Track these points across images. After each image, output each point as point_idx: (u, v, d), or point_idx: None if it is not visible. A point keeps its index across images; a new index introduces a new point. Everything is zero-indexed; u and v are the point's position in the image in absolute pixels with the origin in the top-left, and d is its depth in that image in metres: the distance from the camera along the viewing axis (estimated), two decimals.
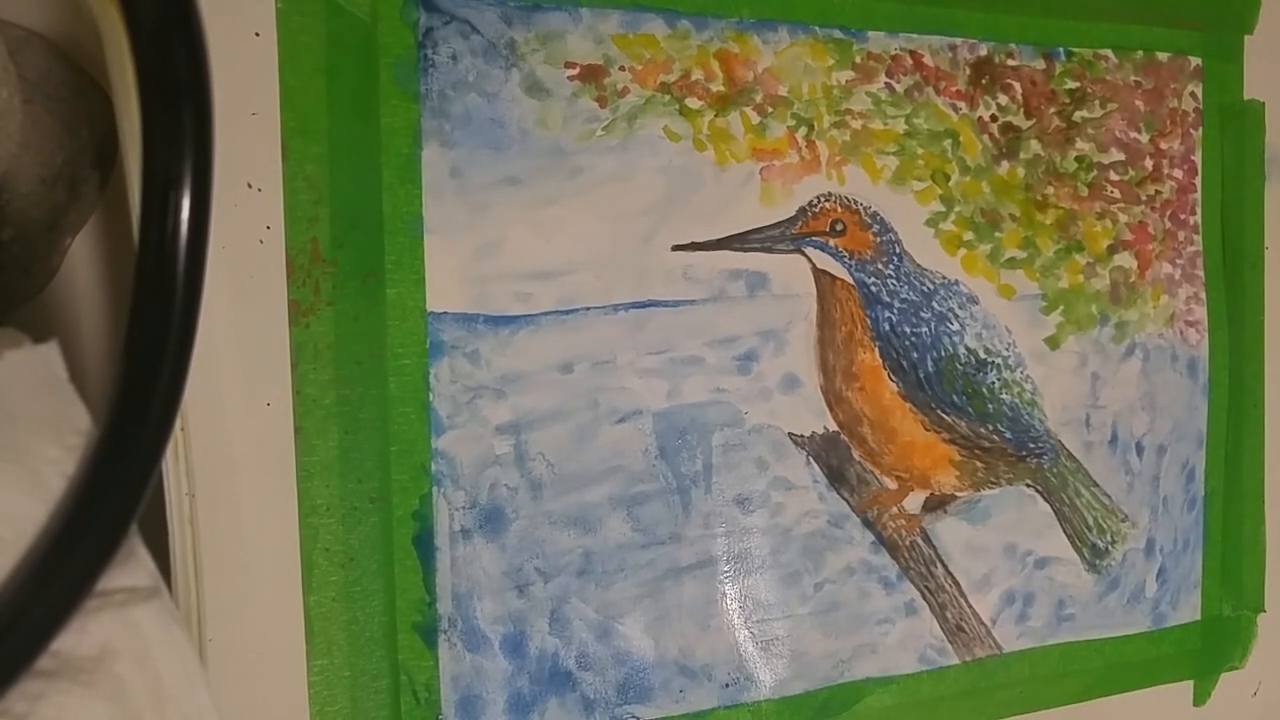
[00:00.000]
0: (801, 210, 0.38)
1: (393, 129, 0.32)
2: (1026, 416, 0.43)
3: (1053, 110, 0.43)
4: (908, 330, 0.40)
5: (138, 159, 0.21)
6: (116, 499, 0.22)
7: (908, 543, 0.40)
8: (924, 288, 0.40)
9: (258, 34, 0.31)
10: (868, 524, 0.40)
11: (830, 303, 0.39)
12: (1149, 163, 0.45)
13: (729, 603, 0.37)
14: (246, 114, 0.31)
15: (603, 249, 0.35)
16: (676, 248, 0.36)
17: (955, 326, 0.41)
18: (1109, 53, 0.44)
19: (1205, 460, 0.47)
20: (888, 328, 0.40)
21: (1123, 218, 0.44)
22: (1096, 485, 0.44)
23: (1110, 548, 0.44)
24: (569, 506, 0.35)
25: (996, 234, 0.42)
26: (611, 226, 0.35)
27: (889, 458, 0.40)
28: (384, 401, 0.32)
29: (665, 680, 0.36)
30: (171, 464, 0.29)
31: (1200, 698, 0.47)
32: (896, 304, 0.40)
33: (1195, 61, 0.46)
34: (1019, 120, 0.42)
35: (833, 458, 0.39)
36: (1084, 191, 0.44)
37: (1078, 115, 0.43)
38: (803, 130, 0.38)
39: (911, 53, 0.40)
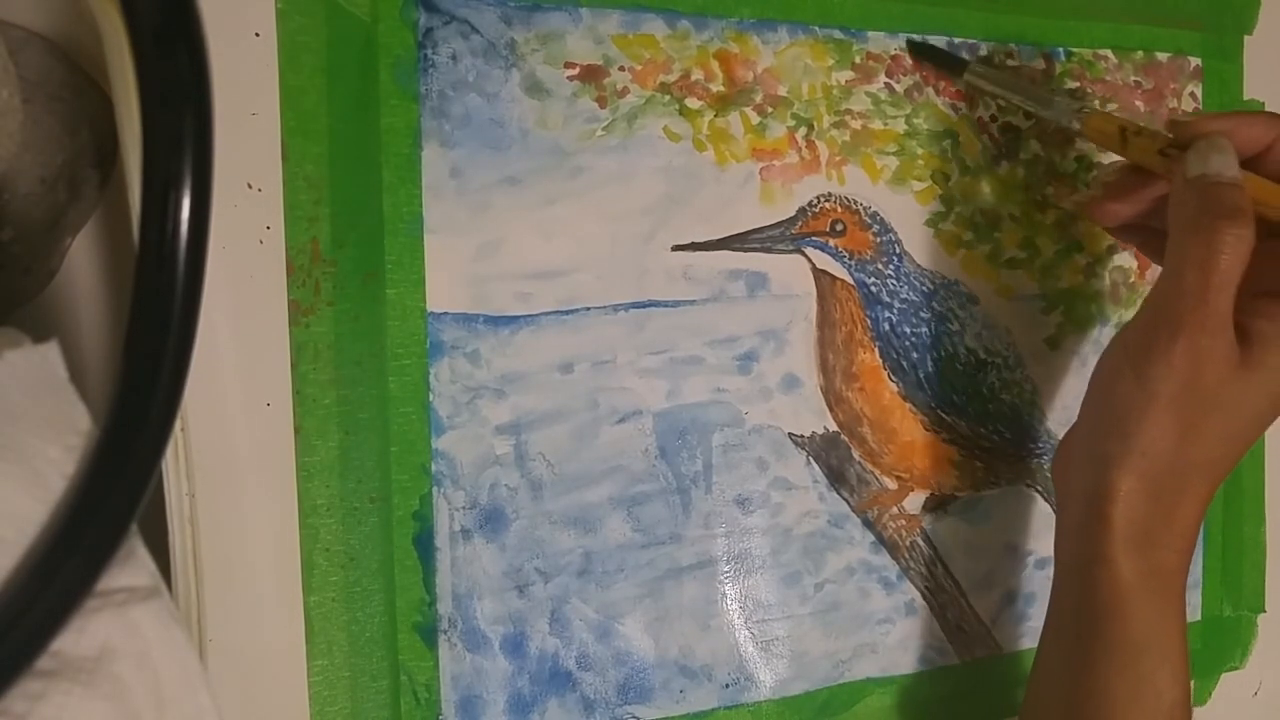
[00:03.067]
0: (801, 210, 0.38)
1: (393, 129, 0.32)
2: (1026, 416, 0.43)
3: None
4: (908, 330, 0.40)
5: (138, 159, 0.21)
6: (116, 499, 0.22)
7: (908, 543, 0.40)
8: (924, 288, 0.40)
9: (258, 34, 0.31)
10: (868, 524, 0.40)
11: (830, 303, 0.39)
12: None
13: (729, 603, 0.37)
14: (246, 114, 0.31)
15: (603, 249, 0.35)
16: (676, 248, 0.36)
17: (955, 326, 0.41)
18: (1109, 53, 0.44)
19: None
20: (888, 328, 0.40)
21: None
22: None
23: None
24: (569, 506, 0.35)
25: (996, 234, 0.42)
26: (611, 226, 0.35)
27: (889, 458, 0.40)
28: (384, 401, 0.32)
29: (665, 680, 0.36)
30: (171, 464, 0.29)
31: (1200, 698, 0.47)
32: (896, 304, 0.40)
33: (1195, 62, 0.46)
34: (1018, 120, 0.42)
35: (833, 458, 0.39)
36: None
37: None
38: (803, 130, 0.38)
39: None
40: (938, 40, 0.40)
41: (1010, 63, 0.42)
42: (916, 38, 0.40)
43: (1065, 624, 0.36)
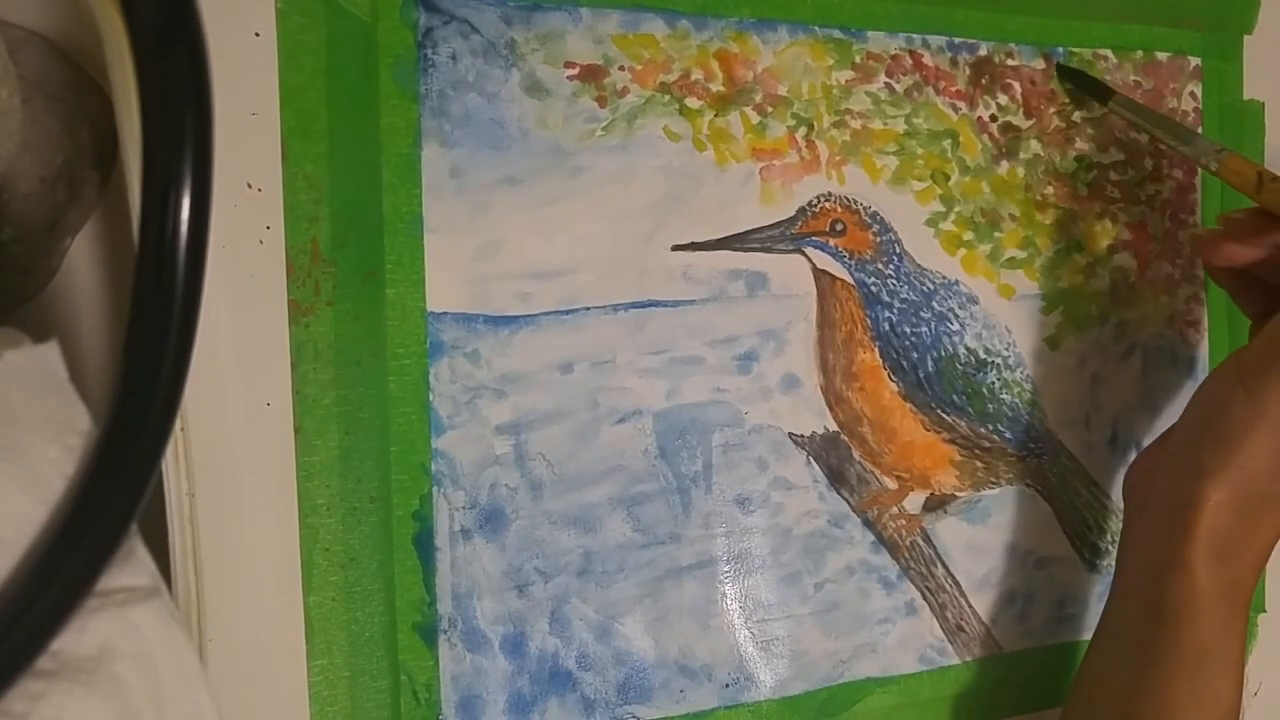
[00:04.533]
0: (801, 210, 0.38)
1: (393, 129, 0.32)
2: (1026, 416, 0.43)
3: (1052, 110, 0.43)
4: (908, 330, 0.40)
5: (138, 159, 0.21)
6: (116, 499, 0.22)
7: (908, 543, 0.40)
8: (924, 288, 0.40)
9: (258, 34, 0.31)
10: (868, 524, 0.40)
11: (830, 303, 0.39)
12: (1149, 162, 0.45)
13: (729, 603, 0.37)
14: (246, 114, 0.31)
15: (603, 249, 0.35)
16: (676, 248, 0.36)
17: (955, 326, 0.41)
18: (1109, 53, 0.44)
19: None
20: (888, 328, 0.40)
21: (1122, 217, 0.44)
22: (1096, 485, 0.44)
23: (1110, 547, 0.44)
24: (569, 506, 0.35)
25: (996, 234, 0.42)
26: (611, 226, 0.35)
27: (889, 458, 0.40)
28: (384, 401, 0.32)
29: (665, 680, 0.36)
30: (171, 464, 0.29)
31: None
32: (896, 304, 0.40)
33: (1195, 61, 0.46)
34: (1018, 120, 0.42)
35: (833, 458, 0.39)
36: (1083, 191, 0.44)
37: (1077, 115, 0.43)
38: (802, 130, 0.38)
39: (911, 53, 0.40)
40: (937, 40, 0.40)
41: (1010, 63, 0.42)
42: (1066, 63, 0.43)
43: (1128, 625, 0.37)
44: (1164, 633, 0.35)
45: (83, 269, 0.31)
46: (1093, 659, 0.38)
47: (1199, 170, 0.46)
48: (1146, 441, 0.45)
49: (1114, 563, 0.41)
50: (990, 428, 0.42)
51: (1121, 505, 0.44)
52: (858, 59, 0.39)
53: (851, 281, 0.39)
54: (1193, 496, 0.35)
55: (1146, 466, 0.39)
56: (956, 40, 0.41)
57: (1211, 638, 0.34)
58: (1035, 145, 0.42)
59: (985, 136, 0.41)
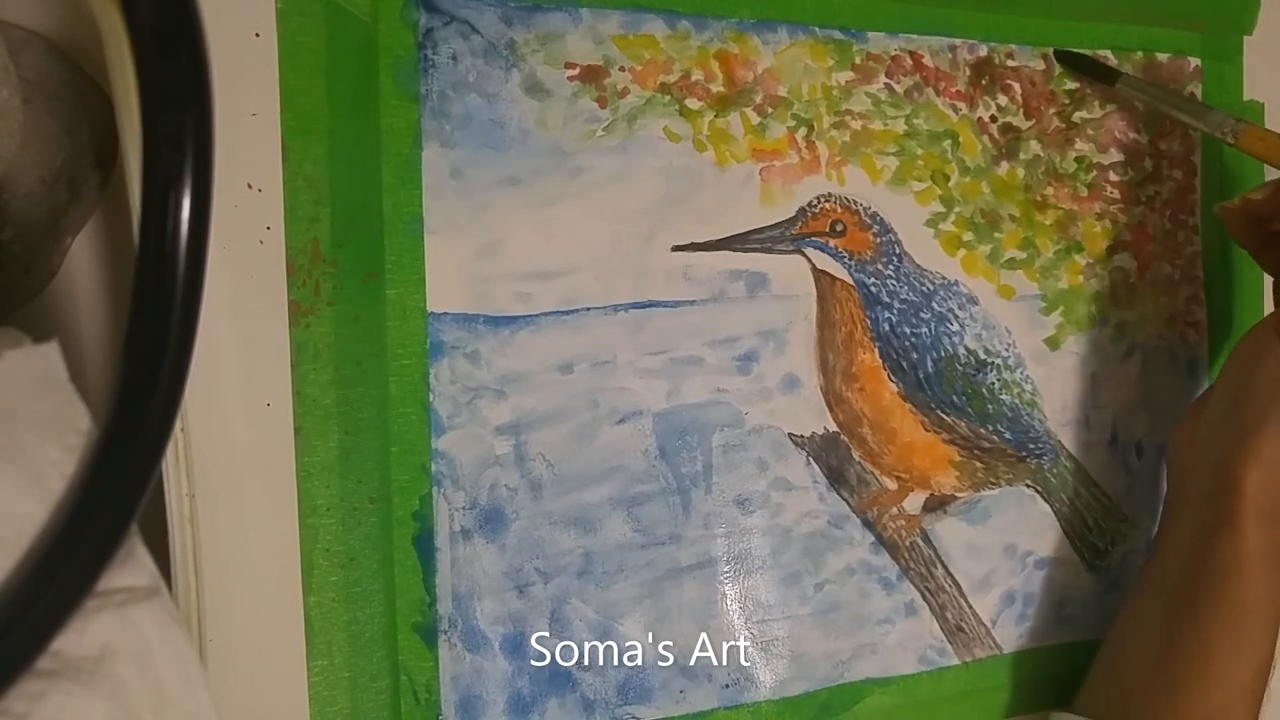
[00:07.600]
0: (801, 211, 0.38)
1: (393, 129, 0.32)
2: (1026, 417, 0.43)
3: (1052, 111, 0.43)
4: (907, 331, 0.40)
5: (138, 159, 0.21)
6: (116, 499, 0.22)
7: (908, 543, 0.40)
8: (924, 288, 0.40)
9: (258, 34, 0.31)
10: (868, 524, 0.40)
11: (830, 303, 0.39)
12: (1148, 163, 0.45)
13: (729, 603, 0.37)
14: (246, 114, 0.31)
15: (603, 249, 0.35)
16: (676, 248, 0.36)
17: (955, 327, 0.41)
18: (1109, 53, 0.44)
19: None
20: (887, 328, 0.40)
21: (1122, 218, 0.44)
22: (1096, 485, 0.44)
23: (1110, 548, 0.44)
24: (569, 507, 0.35)
25: (996, 234, 0.42)
26: (611, 226, 0.35)
27: (889, 458, 0.40)
28: (384, 402, 0.32)
29: (665, 681, 0.36)
30: (171, 464, 0.29)
31: None
32: (896, 304, 0.40)
33: (1195, 62, 0.46)
34: (1018, 121, 0.42)
35: (833, 458, 0.39)
36: (1083, 192, 0.44)
37: (1077, 116, 0.43)
38: (802, 131, 0.38)
39: (911, 53, 0.40)
40: (937, 41, 0.40)
41: (1010, 63, 0.42)
42: (1065, 49, 0.43)
43: (1169, 585, 0.38)
44: (1208, 590, 0.36)
45: (83, 269, 0.31)
46: (1127, 617, 0.39)
47: (1198, 170, 0.46)
48: (1146, 441, 0.45)
49: (1143, 547, 0.42)
50: (990, 428, 0.42)
51: (1121, 505, 0.44)
52: (858, 60, 0.39)
53: (851, 282, 0.39)
54: (1239, 454, 0.35)
55: (1186, 433, 0.40)
56: (956, 41, 0.41)
57: (1256, 596, 0.35)
58: (1035, 146, 0.42)
59: (985, 137, 0.41)
